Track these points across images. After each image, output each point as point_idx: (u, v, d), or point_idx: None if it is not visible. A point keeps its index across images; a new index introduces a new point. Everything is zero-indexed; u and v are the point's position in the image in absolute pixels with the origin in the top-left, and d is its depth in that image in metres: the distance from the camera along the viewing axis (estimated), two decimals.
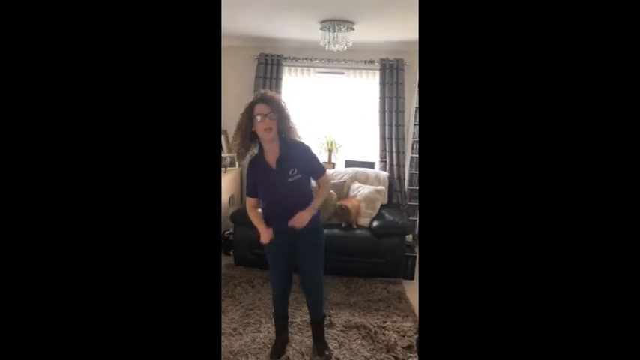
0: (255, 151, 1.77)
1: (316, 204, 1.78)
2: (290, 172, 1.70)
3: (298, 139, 1.75)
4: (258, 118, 1.64)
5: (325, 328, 2.12)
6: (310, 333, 2.10)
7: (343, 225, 2.99)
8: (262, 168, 1.75)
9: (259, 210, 1.86)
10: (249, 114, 1.68)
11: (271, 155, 1.73)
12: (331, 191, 3.14)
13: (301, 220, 1.69)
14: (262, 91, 1.74)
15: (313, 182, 1.83)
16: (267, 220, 1.82)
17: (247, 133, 1.69)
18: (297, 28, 3.10)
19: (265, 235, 1.78)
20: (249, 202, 1.87)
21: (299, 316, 2.34)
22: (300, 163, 1.73)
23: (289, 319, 2.30)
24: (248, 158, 1.81)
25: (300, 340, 2.12)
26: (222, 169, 3.57)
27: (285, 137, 1.71)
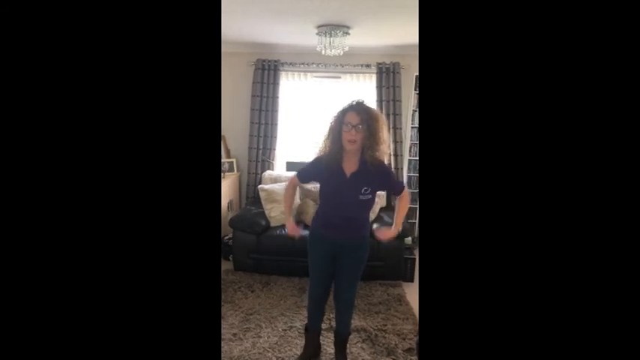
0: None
1: (400, 221, 1.82)
2: (363, 190, 1.67)
3: (379, 160, 1.67)
4: (345, 126, 1.60)
5: (325, 332, 2.11)
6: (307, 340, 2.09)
7: None
8: (336, 173, 1.69)
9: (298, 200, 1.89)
10: (339, 120, 1.64)
11: (348, 165, 1.69)
12: None
13: (389, 235, 1.77)
14: (360, 99, 1.68)
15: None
16: (320, 226, 1.80)
17: (337, 138, 1.64)
18: (294, 34, 3.11)
19: (294, 230, 1.82)
20: (293, 180, 1.87)
21: (299, 320, 2.34)
22: (374, 184, 1.70)
23: (290, 324, 2.30)
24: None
25: (300, 344, 2.11)
26: (221, 174, 3.57)
27: (365, 153, 1.64)
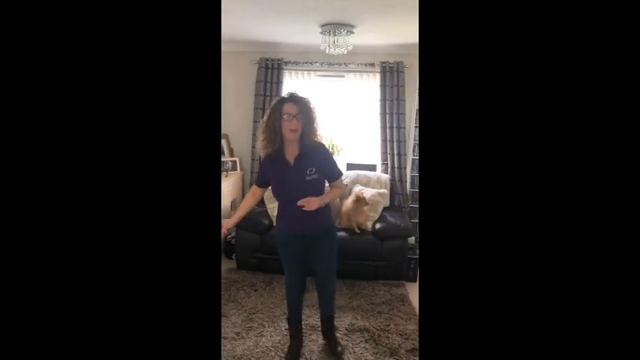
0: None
1: (327, 198, 1.81)
2: (308, 171, 1.74)
3: (318, 143, 1.79)
4: (285, 117, 1.68)
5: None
6: (314, 336, 2.09)
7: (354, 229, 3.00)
8: (280, 164, 1.77)
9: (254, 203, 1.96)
10: (277, 112, 1.70)
11: (290, 153, 1.77)
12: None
13: (311, 203, 1.68)
14: (292, 91, 1.78)
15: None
16: (282, 222, 1.86)
17: (275, 130, 1.70)
18: (298, 32, 3.11)
19: (224, 226, 1.84)
20: (252, 188, 1.93)
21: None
22: (318, 164, 1.76)
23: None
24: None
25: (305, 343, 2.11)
26: (224, 173, 3.58)
27: (305, 138, 1.74)
